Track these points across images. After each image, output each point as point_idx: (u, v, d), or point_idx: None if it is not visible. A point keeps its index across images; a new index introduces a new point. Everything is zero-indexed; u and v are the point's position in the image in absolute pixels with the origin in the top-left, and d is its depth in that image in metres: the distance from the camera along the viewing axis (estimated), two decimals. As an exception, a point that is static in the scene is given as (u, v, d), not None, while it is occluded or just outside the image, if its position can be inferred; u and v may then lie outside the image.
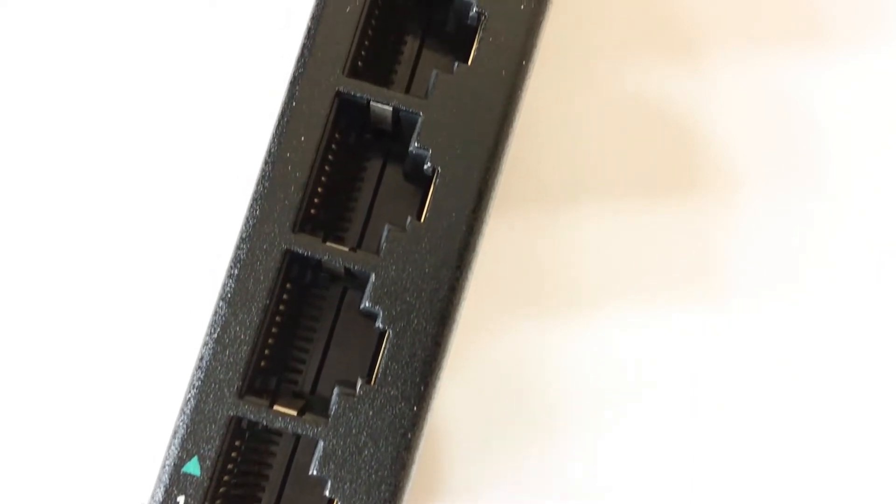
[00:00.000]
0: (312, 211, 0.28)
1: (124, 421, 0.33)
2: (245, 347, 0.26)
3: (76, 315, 0.33)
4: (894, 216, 0.35)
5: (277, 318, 0.28)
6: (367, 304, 0.26)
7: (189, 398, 0.26)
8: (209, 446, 0.26)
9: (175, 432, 0.26)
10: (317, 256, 0.27)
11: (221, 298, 0.26)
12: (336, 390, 0.26)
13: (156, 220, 0.34)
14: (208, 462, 0.26)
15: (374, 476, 0.25)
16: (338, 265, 0.27)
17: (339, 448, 0.26)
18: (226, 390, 0.26)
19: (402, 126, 0.29)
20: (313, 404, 0.29)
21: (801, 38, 0.35)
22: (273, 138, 0.27)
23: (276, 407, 0.27)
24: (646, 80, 0.35)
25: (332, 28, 0.27)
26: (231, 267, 0.27)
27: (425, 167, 0.27)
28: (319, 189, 0.29)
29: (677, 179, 0.34)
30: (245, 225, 0.27)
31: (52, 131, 0.34)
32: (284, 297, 0.28)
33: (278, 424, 0.26)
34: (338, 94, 0.27)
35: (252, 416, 0.26)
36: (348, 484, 0.25)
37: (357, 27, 0.28)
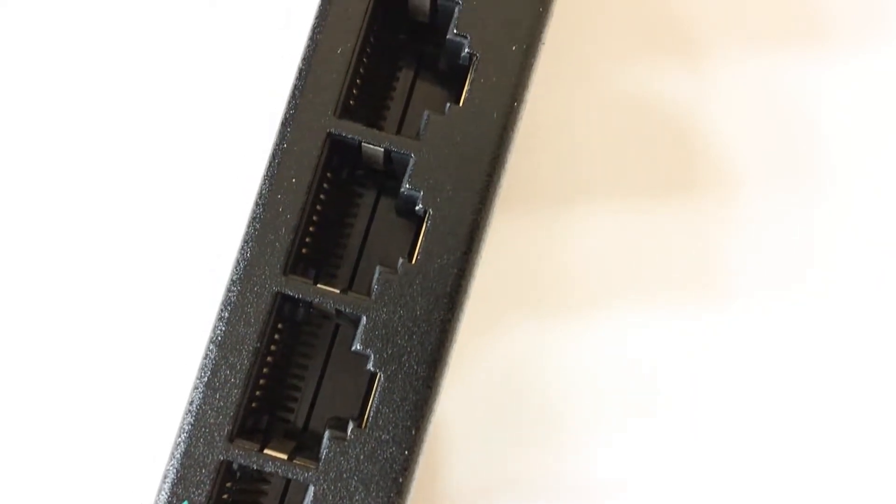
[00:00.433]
0: (304, 250, 0.28)
1: (123, 421, 0.33)
2: (235, 391, 0.26)
3: (74, 315, 0.33)
4: (894, 216, 0.35)
5: (269, 358, 0.28)
6: (358, 347, 0.26)
7: (179, 442, 0.26)
8: (199, 491, 0.26)
9: (165, 476, 0.26)
10: (308, 299, 0.27)
11: (211, 342, 0.26)
12: (327, 434, 0.26)
13: (155, 220, 0.34)
14: (198, 507, 0.26)
15: (365, 521, 0.25)
16: (329, 307, 0.27)
17: (330, 493, 0.26)
18: (216, 435, 0.26)
19: (394, 165, 0.29)
20: (306, 443, 0.29)
21: (801, 38, 0.35)
22: (264, 180, 0.27)
23: (266, 451, 0.26)
24: (646, 80, 0.35)
25: (324, 69, 0.27)
26: (221, 310, 0.26)
27: (417, 208, 0.27)
28: (311, 228, 0.29)
29: (677, 179, 0.35)
30: (235, 267, 0.27)
31: (50, 131, 0.34)
32: (276, 336, 0.28)
33: (269, 468, 0.26)
34: (329, 135, 0.27)
35: (243, 461, 0.26)
36: (339, 529, 0.25)
37: (348, 68, 0.28)
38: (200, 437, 0.26)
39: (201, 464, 0.26)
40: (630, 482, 0.33)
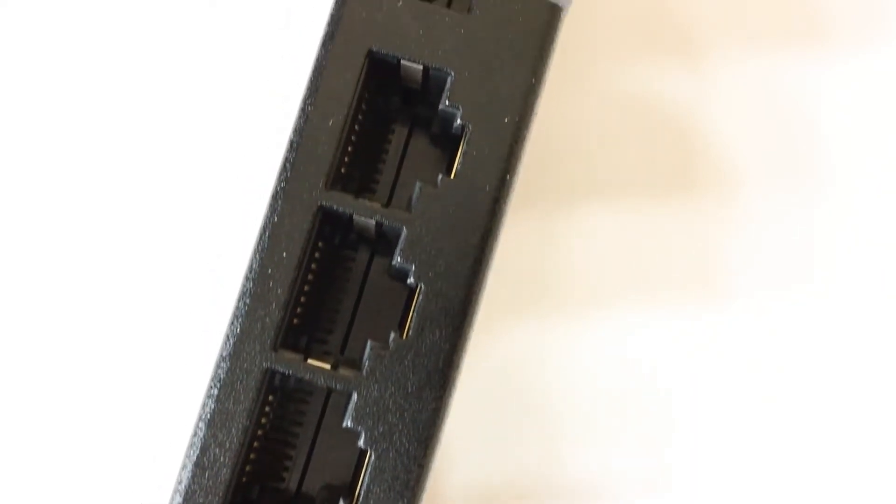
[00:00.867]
0: (294, 321, 0.28)
1: (122, 421, 0.33)
2: (225, 470, 0.26)
3: (74, 314, 0.33)
4: (895, 216, 0.35)
5: (259, 431, 0.28)
6: (349, 424, 0.26)
7: (167, 524, 0.25)
8: (187, 572, 0.25)
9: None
10: (297, 375, 0.26)
11: (200, 419, 0.26)
12: (317, 513, 0.26)
13: (154, 220, 0.34)
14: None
15: None
16: (319, 382, 0.27)
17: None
18: (205, 515, 0.25)
19: (385, 235, 0.29)
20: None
21: (801, 38, 0.35)
22: (254, 254, 0.27)
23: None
24: (646, 80, 0.35)
25: (315, 141, 0.27)
26: (210, 387, 0.26)
27: (409, 281, 0.27)
28: (302, 298, 0.28)
29: (677, 179, 0.34)
30: (225, 343, 0.26)
31: (48, 130, 0.34)
32: (266, 409, 0.28)
33: (258, 549, 0.26)
34: (320, 208, 0.27)
35: (231, 541, 0.25)
36: None
37: (340, 139, 0.27)
38: (189, 517, 0.25)
39: (189, 545, 0.25)
40: (630, 482, 0.33)
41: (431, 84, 0.29)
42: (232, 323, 0.26)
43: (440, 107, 0.28)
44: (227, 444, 0.26)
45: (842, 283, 0.34)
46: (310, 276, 0.29)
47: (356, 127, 0.29)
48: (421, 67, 0.28)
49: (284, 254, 0.27)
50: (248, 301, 0.26)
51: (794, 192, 0.34)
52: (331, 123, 0.27)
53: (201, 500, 0.26)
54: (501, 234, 0.27)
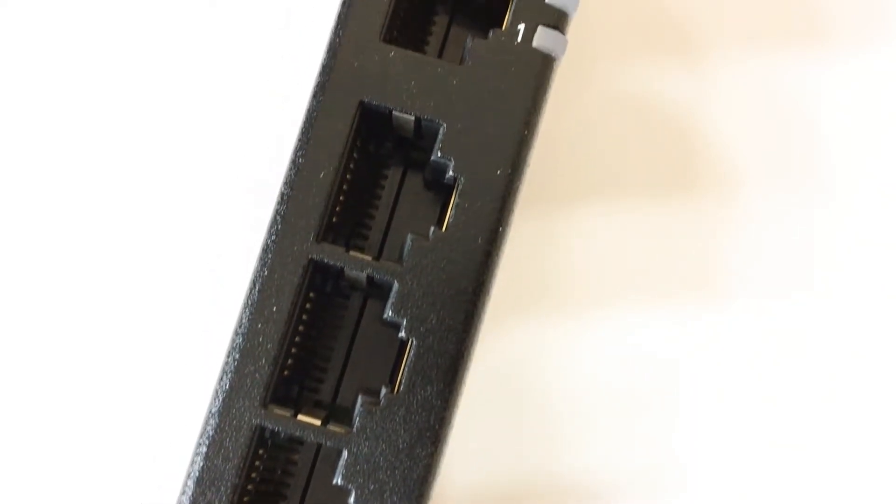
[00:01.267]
0: (286, 372, 0.28)
1: (122, 421, 0.32)
2: (213, 529, 0.25)
3: (73, 314, 0.33)
4: (895, 216, 0.35)
5: (249, 486, 0.27)
6: (339, 481, 0.26)
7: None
8: None
9: None
10: (287, 432, 0.26)
11: (189, 477, 0.26)
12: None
13: (154, 220, 0.33)
14: None
15: None
16: (309, 439, 0.26)
17: None
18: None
19: (377, 286, 0.28)
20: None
21: (801, 38, 0.35)
22: (243, 308, 0.26)
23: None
24: (646, 80, 0.35)
25: (306, 193, 0.27)
26: (199, 444, 0.26)
27: (400, 335, 0.27)
28: (293, 349, 0.28)
29: (677, 180, 0.34)
30: (213, 399, 0.26)
31: (48, 131, 0.34)
32: (256, 462, 0.28)
33: None
34: (311, 261, 0.27)
35: None
36: None
37: (331, 191, 0.27)
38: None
39: None
40: (630, 482, 0.33)
41: (424, 133, 0.29)
42: (221, 379, 0.26)
43: (432, 157, 0.28)
44: (217, 503, 0.25)
45: (841, 283, 0.34)
46: (301, 327, 0.28)
47: (347, 176, 0.29)
48: (413, 118, 0.28)
49: (275, 308, 0.26)
50: (237, 357, 0.26)
51: (794, 192, 0.34)
52: (322, 176, 0.27)
53: (189, 560, 0.25)
54: (493, 288, 0.27)
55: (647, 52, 0.35)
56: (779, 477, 0.33)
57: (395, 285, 0.27)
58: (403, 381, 0.26)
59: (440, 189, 0.30)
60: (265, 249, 0.27)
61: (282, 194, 0.27)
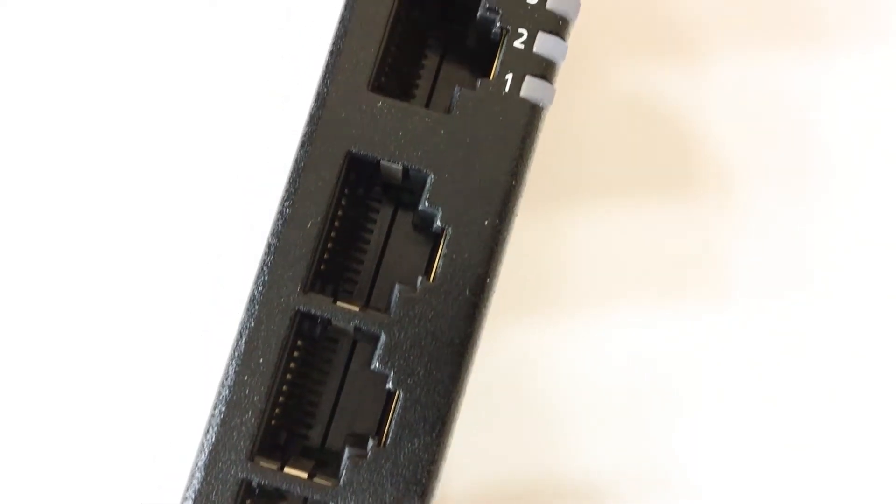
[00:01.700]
0: (273, 422, 0.28)
1: (121, 420, 0.32)
2: (198, 585, 0.25)
3: (73, 314, 0.33)
4: (894, 216, 0.35)
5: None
6: (326, 536, 0.26)
7: None
8: None
9: None
10: (274, 485, 0.26)
11: (175, 532, 0.25)
12: None
13: (154, 220, 0.33)
14: None
15: None
16: (296, 493, 0.26)
17: None
18: None
19: (364, 336, 0.28)
20: None
21: (800, 37, 0.35)
22: (230, 360, 0.26)
23: None
24: (645, 79, 0.35)
25: (293, 244, 0.27)
26: (184, 498, 0.26)
27: (387, 387, 0.27)
28: (280, 398, 0.28)
29: (676, 179, 0.34)
30: (199, 453, 0.26)
31: (47, 131, 0.34)
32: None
33: None
34: (297, 312, 0.27)
35: None
36: None
37: (318, 242, 0.27)
38: None
39: None
40: (630, 482, 0.33)
41: (412, 182, 0.29)
42: (207, 432, 0.26)
43: (420, 207, 0.28)
44: (202, 558, 0.25)
45: (841, 283, 0.34)
46: (288, 375, 0.28)
47: (336, 223, 0.29)
48: (401, 168, 0.28)
49: (261, 360, 0.26)
50: (223, 409, 0.26)
51: (795, 192, 0.34)
52: (309, 226, 0.27)
53: None
54: (482, 338, 0.27)
55: (647, 52, 0.35)
56: (779, 477, 0.33)
57: (383, 337, 0.26)
58: (390, 434, 0.26)
59: (429, 233, 0.30)
60: (252, 300, 0.27)
61: (269, 245, 0.27)
